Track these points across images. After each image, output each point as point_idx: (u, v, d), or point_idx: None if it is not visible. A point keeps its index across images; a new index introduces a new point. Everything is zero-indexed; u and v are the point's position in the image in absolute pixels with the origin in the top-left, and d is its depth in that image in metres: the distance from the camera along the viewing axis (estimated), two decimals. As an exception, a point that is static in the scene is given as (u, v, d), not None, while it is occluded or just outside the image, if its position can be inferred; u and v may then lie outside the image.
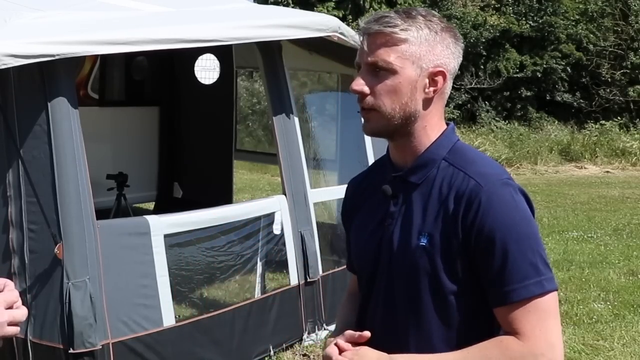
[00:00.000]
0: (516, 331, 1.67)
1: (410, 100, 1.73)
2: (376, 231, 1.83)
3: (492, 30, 21.09)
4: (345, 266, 2.25)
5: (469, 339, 1.71)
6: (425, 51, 1.73)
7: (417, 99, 1.74)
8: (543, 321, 1.67)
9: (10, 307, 1.58)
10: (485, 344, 1.68)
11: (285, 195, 5.34)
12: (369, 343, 1.77)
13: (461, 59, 1.80)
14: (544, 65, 21.14)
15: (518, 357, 1.65)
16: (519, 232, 1.68)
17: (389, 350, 1.74)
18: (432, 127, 1.79)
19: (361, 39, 1.76)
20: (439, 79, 1.74)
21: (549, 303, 1.69)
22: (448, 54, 1.76)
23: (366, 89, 1.74)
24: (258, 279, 5.30)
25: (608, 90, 20.97)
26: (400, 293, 1.79)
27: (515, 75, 21.08)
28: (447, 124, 1.84)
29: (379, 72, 1.73)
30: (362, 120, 1.80)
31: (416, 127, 1.77)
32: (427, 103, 1.76)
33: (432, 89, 1.75)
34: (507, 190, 1.72)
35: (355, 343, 1.77)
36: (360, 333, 1.76)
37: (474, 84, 20.93)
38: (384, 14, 1.75)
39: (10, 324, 1.56)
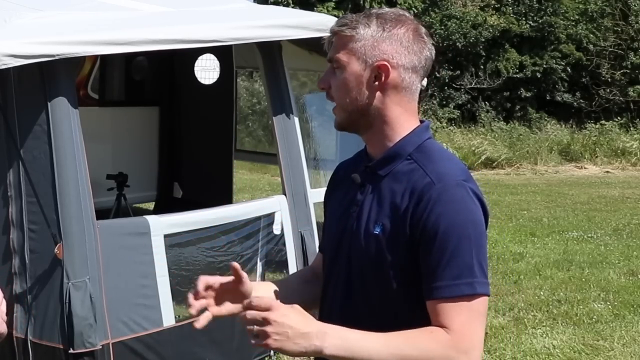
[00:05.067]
0: (444, 325, 1.72)
1: (359, 94, 1.83)
2: (342, 217, 1.93)
3: (491, 30, 21.06)
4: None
5: (413, 327, 1.75)
6: (371, 47, 1.82)
7: (365, 92, 1.84)
8: (470, 322, 1.72)
9: None
10: (415, 331, 1.73)
11: (285, 195, 5.33)
12: None
13: (427, 54, 1.86)
14: (544, 66, 21.11)
15: (441, 348, 1.70)
16: (461, 232, 1.73)
17: None
18: (395, 121, 1.86)
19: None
20: (382, 73, 1.82)
21: (478, 306, 1.73)
22: (399, 49, 1.83)
23: (326, 85, 1.88)
24: (258, 279, 5.29)
25: (608, 90, 20.94)
26: (356, 278, 1.87)
27: (515, 76, 21.04)
28: (422, 122, 1.91)
29: (335, 69, 1.86)
30: None
31: (376, 120, 1.86)
32: (379, 97, 1.84)
33: (376, 83, 1.83)
34: (458, 190, 1.77)
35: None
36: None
37: (473, 84, 20.92)
38: (343, 16, 1.90)
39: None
